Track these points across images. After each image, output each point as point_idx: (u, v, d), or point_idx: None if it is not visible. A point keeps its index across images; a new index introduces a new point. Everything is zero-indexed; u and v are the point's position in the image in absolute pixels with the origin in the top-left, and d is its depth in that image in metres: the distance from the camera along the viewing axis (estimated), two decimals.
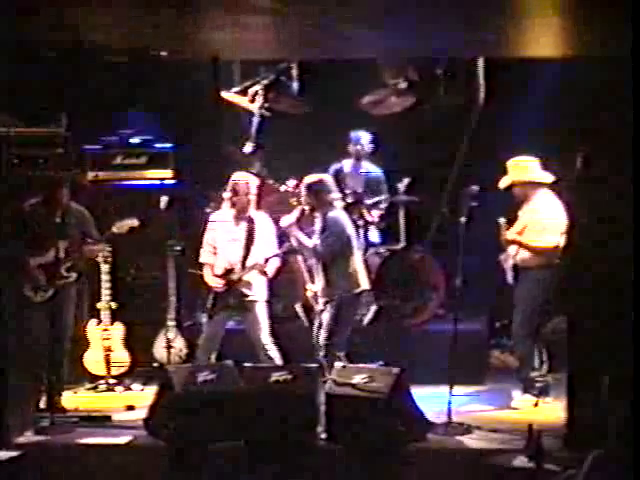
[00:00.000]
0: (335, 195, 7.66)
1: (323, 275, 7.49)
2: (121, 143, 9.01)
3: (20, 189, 7.68)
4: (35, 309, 7.56)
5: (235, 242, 7.81)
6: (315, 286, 7.61)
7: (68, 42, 7.30)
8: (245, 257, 7.78)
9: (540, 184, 7.78)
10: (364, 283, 7.55)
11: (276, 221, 8.11)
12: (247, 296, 7.73)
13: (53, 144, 8.29)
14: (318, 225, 7.57)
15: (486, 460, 6.28)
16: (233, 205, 7.85)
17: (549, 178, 7.78)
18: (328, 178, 7.78)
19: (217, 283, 7.77)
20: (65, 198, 7.69)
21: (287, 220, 7.69)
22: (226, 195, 7.87)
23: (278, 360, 7.62)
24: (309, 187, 7.58)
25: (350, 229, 7.57)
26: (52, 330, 7.47)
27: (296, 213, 7.69)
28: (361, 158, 9.11)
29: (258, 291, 7.79)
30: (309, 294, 7.77)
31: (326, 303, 7.49)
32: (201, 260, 7.93)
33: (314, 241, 7.51)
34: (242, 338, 8.63)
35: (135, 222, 7.87)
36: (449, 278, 8.37)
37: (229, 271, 7.77)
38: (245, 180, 7.86)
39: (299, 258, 8.77)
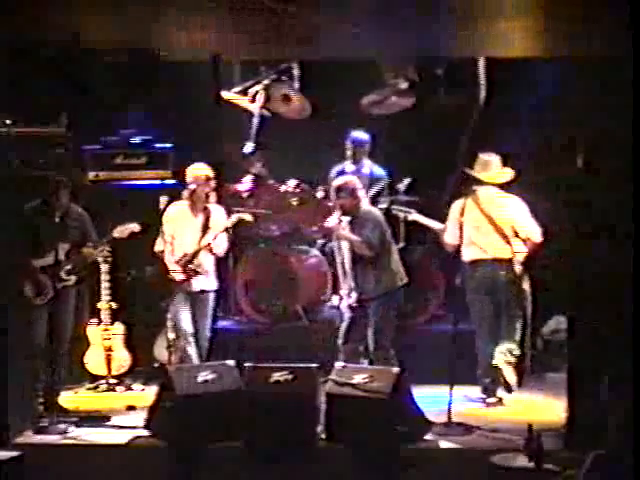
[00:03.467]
0: (362, 194, 7.74)
1: (367, 271, 7.54)
2: (121, 143, 9.01)
3: (20, 189, 7.67)
4: (35, 310, 7.55)
5: (191, 233, 7.88)
6: (346, 284, 7.65)
7: (68, 42, 7.29)
8: (199, 247, 7.87)
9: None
10: (404, 277, 7.67)
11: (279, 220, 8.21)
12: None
13: (53, 144, 8.29)
14: (358, 223, 7.58)
15: (486, 460, 6.27)
16: (191, 196, 7.94)
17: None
18: (354, 179, 7.87)
19: (177, 271, 7.82)
20: (66, 199, 7.67)
21: (331, 222, 7.66)
22: (188, 187, 7.95)
23: (194, 358, 7.75)
24: (340, 189, 7.64)
25: (385, 224, 7.67)
26: (51, 331, 7.47)
27: (337, 215, 7.66)
28: (360, 158, 9.12)
29: (209, 279, 7.93)
30: (343, 292, 7.76)
31: (366, 301, 7.54)
32: (157, 249, 7.91)
33: (365, 236, 7.53)
34: (242, 338, 8.67)
35: (136, 227, 7.82)
36: (449, 278, 8.38)
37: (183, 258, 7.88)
38: (204, 172, 7.94)
39: (308, 259, 8.85)
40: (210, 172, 7.97)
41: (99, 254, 8.02)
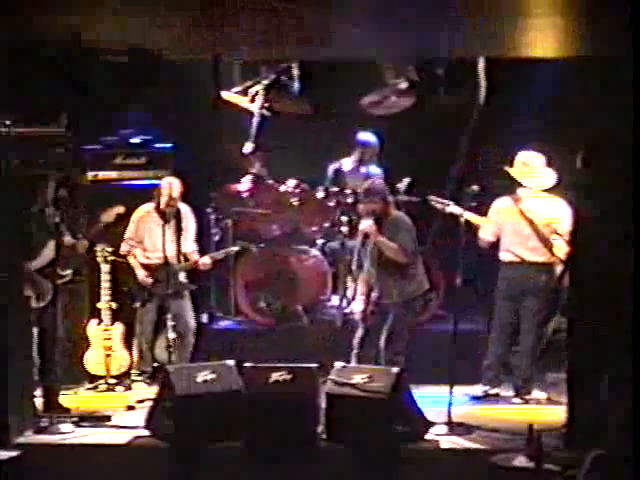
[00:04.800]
0: (390, 198, 7.74)
1: (392, 276, 7.52)
2: (121, 143, 9.02)
3: (20, 189, 7.66)
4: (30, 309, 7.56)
5: (168, 238, 8.11)
6: (363, 288, 7.65)
7: (68, 42, 7.28)
8: (179, 250, 8.27)
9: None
10: (427, 283, 7.73)
11: (276, 220, 8.20)
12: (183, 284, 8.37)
13: (53, 144, 8.29)
14: (387, 228, 7.54)
15: (486, 460, 6.28)
16: (158, 203, 8.30)
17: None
18: (382, 181, 7.95)
19: (148, 276, 8.30)
20: (51, 196, 7.69)
21: (365, 225, 7.60)
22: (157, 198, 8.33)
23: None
24: (369, 192, 7.63)
25: (414, 229, 7.66)
26: (43, 330, 7.50)
27: (370, 218, 7.59)
28: (366, 162, 9.11)
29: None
30: (359, 297, 7.75)
31: (387, 306, 7.53)
32: (124, 251, 8.36)
33: (401, 242, 7.50)
34: (242, 338, 8.67)
35: (121, 209, 7.99)
36: (449, 278, 8.37)
37: (165, 264, 8.11)
38: (168, 184, 8.26)
39: (308, 259, 8.84)
40: (176, 188, 8.22)
41: (103, 251, 8.18)
